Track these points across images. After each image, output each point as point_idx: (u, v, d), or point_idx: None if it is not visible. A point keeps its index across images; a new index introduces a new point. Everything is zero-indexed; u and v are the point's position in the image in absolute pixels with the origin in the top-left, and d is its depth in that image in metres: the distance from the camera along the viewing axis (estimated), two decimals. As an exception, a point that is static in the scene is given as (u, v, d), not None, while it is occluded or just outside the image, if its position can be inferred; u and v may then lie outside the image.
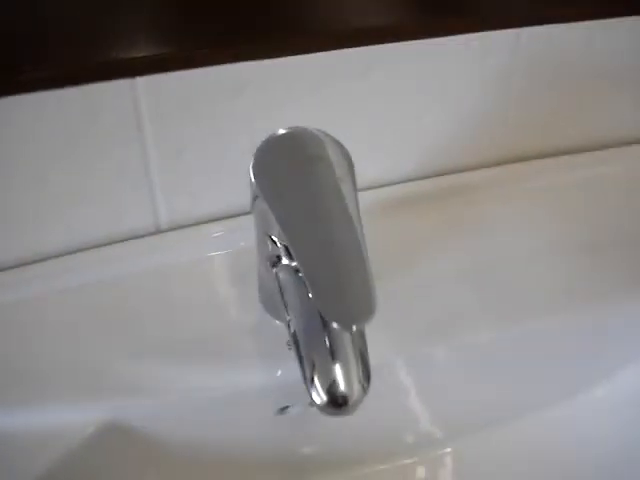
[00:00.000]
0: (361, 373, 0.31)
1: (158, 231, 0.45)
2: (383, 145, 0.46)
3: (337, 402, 0.31)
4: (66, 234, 0.43)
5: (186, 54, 0.38)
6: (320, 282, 0.29)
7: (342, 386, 0.31)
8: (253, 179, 0.32)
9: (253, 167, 0.32)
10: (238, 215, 0.46)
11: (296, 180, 0.31)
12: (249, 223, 0.36)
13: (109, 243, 0.44)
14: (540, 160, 0.50)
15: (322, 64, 0.41)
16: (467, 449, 0.46)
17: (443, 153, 0.48)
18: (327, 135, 0.33)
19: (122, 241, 0.44)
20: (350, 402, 0.31)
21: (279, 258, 0.34)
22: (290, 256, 0.34)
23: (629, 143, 0.52)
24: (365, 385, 0.31)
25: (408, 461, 0.47)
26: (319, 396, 0.31)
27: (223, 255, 0.45)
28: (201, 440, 0.42)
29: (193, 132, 0.41)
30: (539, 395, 0.47)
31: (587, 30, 0.45)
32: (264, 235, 0.35)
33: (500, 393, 0.46)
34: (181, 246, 0.45)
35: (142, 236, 0.45)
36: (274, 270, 0.35)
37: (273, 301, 0.39)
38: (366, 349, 0.32)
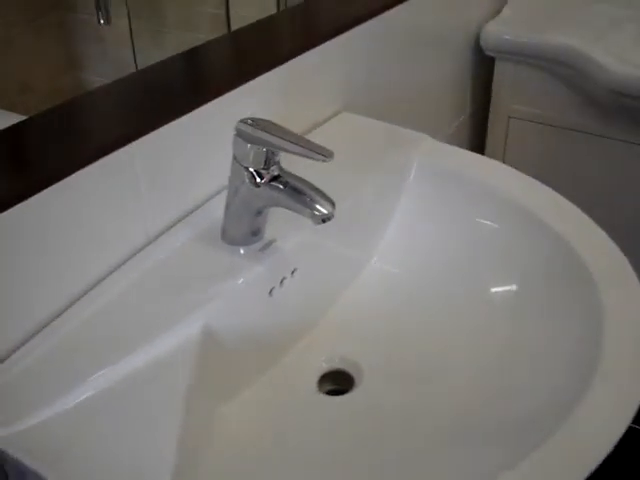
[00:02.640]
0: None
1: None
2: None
3: (334, 205, 0.63)
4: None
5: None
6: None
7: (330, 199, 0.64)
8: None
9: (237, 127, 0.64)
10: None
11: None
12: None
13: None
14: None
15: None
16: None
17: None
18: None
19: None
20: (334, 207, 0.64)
21: (257, 177, 0.65)
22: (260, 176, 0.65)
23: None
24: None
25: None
26: (326, 207, 0.63)
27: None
28: (228, 333, 0.68)
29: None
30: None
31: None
32: (241, 170, 0.65)
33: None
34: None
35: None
36: (259, 187, 0.65)
37: (241, 225, 0.69)
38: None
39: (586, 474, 0.54)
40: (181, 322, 0.63)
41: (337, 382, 0.76)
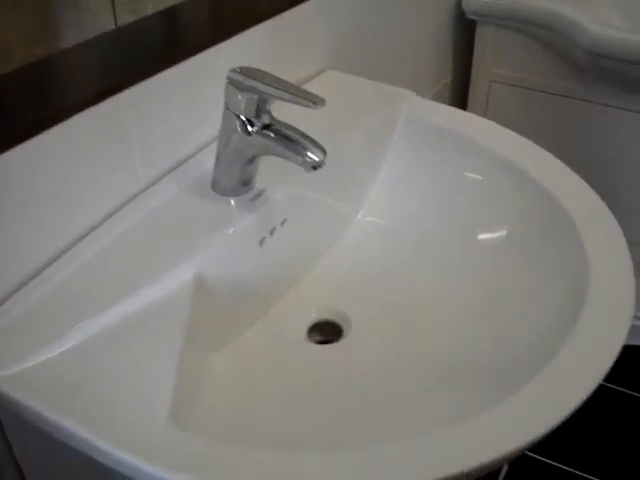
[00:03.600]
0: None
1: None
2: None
3: (325, 152, 0.64)
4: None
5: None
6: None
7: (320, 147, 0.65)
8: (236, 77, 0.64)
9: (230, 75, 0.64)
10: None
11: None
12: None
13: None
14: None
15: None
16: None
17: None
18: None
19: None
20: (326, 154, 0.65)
21: (248, 125, 0.66)
22: (252, 124, 0.66)
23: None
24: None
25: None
26: (317, 154, 0.64)
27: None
28: (219, 281, 0.69)
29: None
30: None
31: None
32: (233, 118, 0.66)
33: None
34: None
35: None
36: (250, 135, 0.66)
37: (231, 174, 0.70)
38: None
39: (562, 418, 0.55)
40: (172, 271, 0.64)
41: (326, 333, 0.77)
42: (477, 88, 1.42)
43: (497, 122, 1.40)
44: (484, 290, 0.75)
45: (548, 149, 0.82)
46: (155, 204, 0.71)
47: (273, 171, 0.73)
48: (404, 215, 0.85)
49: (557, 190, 0.74)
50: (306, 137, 0.65)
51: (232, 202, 0.71)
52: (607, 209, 0.72)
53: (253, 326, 0.74)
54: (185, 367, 0.59)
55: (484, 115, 1.44)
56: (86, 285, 0.62)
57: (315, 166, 0.64)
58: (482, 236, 0.80)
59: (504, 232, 0.79)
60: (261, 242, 0.72)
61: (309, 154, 0.64)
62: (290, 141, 0.65)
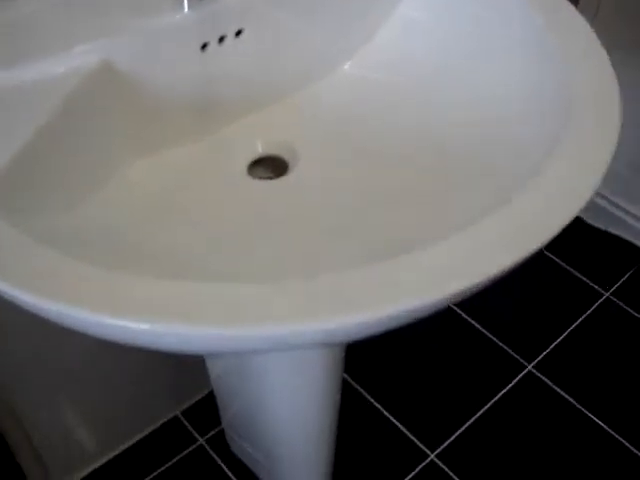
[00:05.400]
0: None
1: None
2: None
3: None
4: None
5: None
6: None
7: None
8: None
9: None
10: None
11: None
12: None
13: None
14: None
15: None
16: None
17: None
18: None
19: None
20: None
21: None
22: None
23: None
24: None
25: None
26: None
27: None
28: (140, 76, 0.60)
29: None
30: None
31: None
32: None
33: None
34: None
35: None
36: None
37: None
38: None
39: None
40: (76, 49, 0.56)
41: (271, 172, 0.68)
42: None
43: (610, 15, 1.20)
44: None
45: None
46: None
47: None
48: (400, 74, 0.71)
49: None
50: None
51: (182, -5, 0.61)
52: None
53: (183, 145, 0.65)
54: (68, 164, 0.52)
55: (596, 6, 1.23)
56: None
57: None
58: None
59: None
60: (203, 47, 0.62)
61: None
62: None
